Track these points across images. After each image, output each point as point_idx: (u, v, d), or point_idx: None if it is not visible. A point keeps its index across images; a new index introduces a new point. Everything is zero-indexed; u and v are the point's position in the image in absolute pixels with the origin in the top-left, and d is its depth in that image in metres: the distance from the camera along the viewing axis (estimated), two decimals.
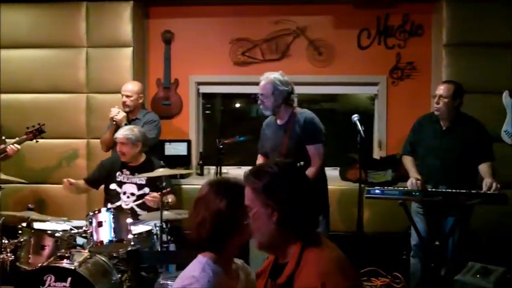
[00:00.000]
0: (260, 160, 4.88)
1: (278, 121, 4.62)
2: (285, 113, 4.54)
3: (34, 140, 5.17)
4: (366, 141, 4.82)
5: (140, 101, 5.52)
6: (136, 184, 5.02)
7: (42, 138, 5.24)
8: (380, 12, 6.04)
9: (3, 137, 5.35)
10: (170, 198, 4.83)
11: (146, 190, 4.97)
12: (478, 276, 4.18)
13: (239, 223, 2.23)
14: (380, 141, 6.12)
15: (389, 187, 4.51)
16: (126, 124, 5.22)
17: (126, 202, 4.97)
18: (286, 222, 2.05)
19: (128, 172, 5.05)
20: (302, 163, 4.04)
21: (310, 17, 6.13)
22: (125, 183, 5.05)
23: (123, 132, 4.94)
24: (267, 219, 2.07)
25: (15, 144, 5.07)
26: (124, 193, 5.03)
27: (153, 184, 4.88)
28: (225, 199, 2.29)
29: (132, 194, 5.01)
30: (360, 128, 4.30)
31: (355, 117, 4.40)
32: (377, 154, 6.15)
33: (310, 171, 4.32)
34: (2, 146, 5.08)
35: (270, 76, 4.52)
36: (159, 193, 4.45)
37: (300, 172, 2.24)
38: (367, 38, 6.06)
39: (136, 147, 4.96)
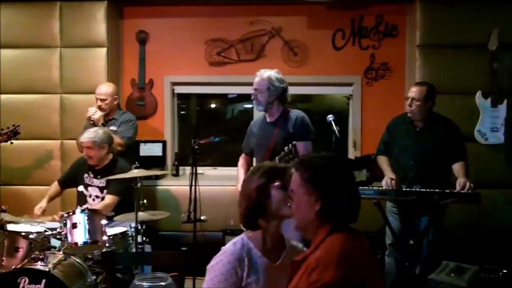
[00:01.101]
0: (242, 160, 4.89)
1: (268, 118, 4.64)
2: (277, 110, 4.58)
3: (9, 142, 5.12)
4: (341, 141, 4.85)
5: (115, 102, 5.50)
6: (98, 187, 4.99)
7: (16, 139, 5.19)
8: (354, 13, 6.07)
9: None
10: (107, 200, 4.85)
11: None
12: (452, 275, 4.23)
13: (267, 205, 2.50)
14: (355, 141, 6.15)
15: (364, 187, 4.54)
16: (103, 124, 5.19)
17: (92, 205, 4.92)
18: (326, 213, 2.18)
19: (92, 175, 5.02)
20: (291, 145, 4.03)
21: (285, 17, 6.14)
22: (90, 185, 5.02)
23: (88, 136, 4.88)
24: (309, 207, 2.19)
25: None
26: (90, 195, 5.01)
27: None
28: (257, 182, 2.53)
29: (97, 196, 4.99)
30: (335, 128, 4.33)
31: (330, 117, 4.44)
32: (352, 154, 6.18)
33: None
34: None
35: (267, 72, 4.56)
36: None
37: (346, 167, 2.34)
38: (341, 39, 6.09)
39: (102, 149, 4.91)
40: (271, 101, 4.54)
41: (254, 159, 4.87)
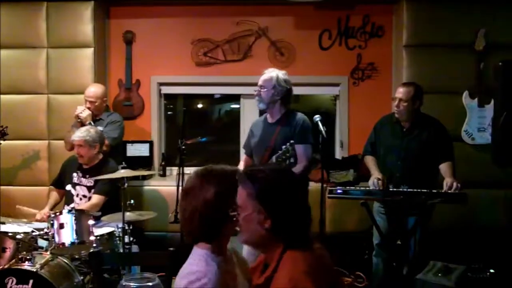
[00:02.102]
0: (243, 161, 4.86)
1: (269, 119, 4.61)
2: (278, 111, 4.53)
3: None
4: (328, 142, 4.86)
5: (104, 104, 5.51)
6: (86, 186, 4.98)
7: (4, 140, 5.16)
8: (340, 13, 6.10)
9: None
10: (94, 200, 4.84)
11: None
12: (439, 274, 4.25)
13: (229, 211, 2.20)
14: (342, 141, 6.18)
15: (351, 187, 4.56)
16: (90, 123, 5.18)
17: (78, 204, 4.91)
18: (278, 229, 2.06)
19: (81, 174, 5.01)
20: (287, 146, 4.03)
21: (272, 17, 6.16)
22: (78, 184, 5.01)
23: (80, 134, 4.89)
24: (258, 224, 2.07)
25: None
26: (77, 195, 4.99)
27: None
28: (213, 188, 2.25)
29: (84, 196, 4.97)
30: (322, 129, 4.32)
31: (316, 117, 4.43)
32: (339, 154, 6.20)
33: (296, 169, 4.32)
34: None
35: (275, 71, 4.52)
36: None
37: (293, 178, 2.23)
38: (328, 39, 6.11)
39: (93, 148, 4.92)
40: (274, 101, 4.49)
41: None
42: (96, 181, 4.87)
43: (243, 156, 4.96)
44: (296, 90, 6.18)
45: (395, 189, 4.41)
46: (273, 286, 2.01)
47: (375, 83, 6.09)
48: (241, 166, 4.77)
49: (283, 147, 3.94)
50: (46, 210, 5.01)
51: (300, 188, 2.19)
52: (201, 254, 2.29)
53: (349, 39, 6.10)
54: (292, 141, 3.96)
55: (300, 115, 4.53)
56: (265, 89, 4.47)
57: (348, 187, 4.47)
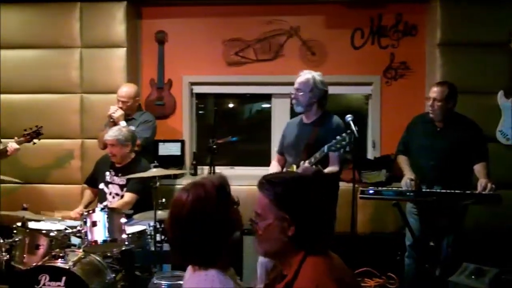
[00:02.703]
0: (275, 159, 4.82)
1: (305, 120, 4.56)
2: (315, 113, 4.49)
3: (31, 142, 5.19)
4: (359, 141, 4.82)
5: (136, 104, 5.55)
6: (118, 184, 5.03)
7: (39, 139, 5.25)
8: (372, 12, 6.05)
9: None
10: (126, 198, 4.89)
11: None
12: (472, 277, 4.19)
13: (227, 228, 2.11)
14: (374, 141, 6.13)
15: (383, 187, 4.52)
16: (122, 123, 5.23)
17: (111, 203, 4.96)
18: (302, 236, 1.98)
19: (113, 173, 5.06)
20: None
21: (303, 17, 6.13)
22: (111, 183, 5.06)
23: (112, 133, 4.94)
24: (281, 232, 1.99)
25: (14, 144, 5.11)
26: (110, 193, 5.04)
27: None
28: (208, 208, 2.09)
29: (117, 194, 5.02)
30: (354, 128, 4.26)
31: (348, 117, 4.37)
32: (371, 154, 6.16)
33: (328, 170, 4.30)
34: (2, 147, 5.13)
35: (312, 73, 4.47)
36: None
37: (316, 183, 2.16)
38: (360, 38, 6.06)
39: (126, 147, 4.97)
40: (311, 103, 4.45)
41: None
42: (128, 180, 4.91)
43: (274, 156, 4.92)
44: (328, 90, 6.23)
45: (428, 190, 4.36)
46: None
47: (408, 83, 6.03)
48: (273, 165, 4.76)
49: (338, 137, 3.97)
50: (80, 208, 5.07)
51: (323, 193, 2.11)
52: (212, 275, 2.11)
53: (382, 38, 6.05)
54: (349, 130, 4.00)
55: (335, 119, 4.49)
56: (302, 92, 4.43)
57: (380, 188, 4.44)
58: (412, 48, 6.02)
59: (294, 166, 4.39)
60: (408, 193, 4.37)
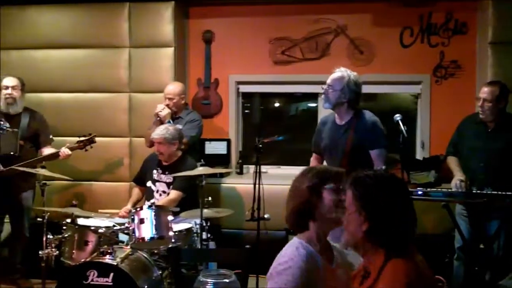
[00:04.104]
0: (314, 159, 4.68)
1: (338, 120, 4.39)
2: (346, 114, 4.32)
3: (84, 149, 5.30)
4: (408, 142, 4.74)
5: (183, 101, 5.58)
6: (165, 182, 5.09)
7: (91, 147, 5.36)
8: (422, 10, 5.95)
9: (51, 136, 5.51)
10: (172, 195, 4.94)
11: None
12: None
13: (317, 206, 2.42)
14: (423, 141, 6.03)
15: (432, 189, 4.44)
16: (169, 122, 5.28)
17: (158, 200, 5.02)
18: (375, 233, 2.12)
19: (160, 171, 5.12)
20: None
21: (351, 15, 6.08)
22: (158, 181, 5.13)
23: (159, 132, 5.00)
24: (358, 225, 2.14)
25: (67, 149, 5.21)
26: (157, 191, 5.10)
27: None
28: (309, 182, 2.46)
29: (164, 192, 5.08)
30: (403, 128, 4.18)
31: (397, 116, 4.27)
32: (419, 154, 6.06)
33: None
34: (55, 150, 5.27)
35: (347, 71, 4.31)
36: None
37: (397, 185, 2.23)
38: (409, 36, 5.97)
39: (173, 145, 5.02)
40: (341, 103, 4.27)
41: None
42: (174, 178, 4.95)
43: (313, 155, 4.74)
44: (376, 89, 6.19)
45: (478, 191, 4.26)
46: None
47: (459, 82, 5.91)
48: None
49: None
50: (128, 206, 5.14)
51: (403, 195, 2.20)
52: (295, 242, 2.45)
53: (432, 36, 5.94)
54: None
55: (369, 117, 4.30)
56: (333, 90, 4.28)
57: (429, 189, 4.36)
58: (463, 47, 5.89)
59: None
60: (457, 195, 4.29)
